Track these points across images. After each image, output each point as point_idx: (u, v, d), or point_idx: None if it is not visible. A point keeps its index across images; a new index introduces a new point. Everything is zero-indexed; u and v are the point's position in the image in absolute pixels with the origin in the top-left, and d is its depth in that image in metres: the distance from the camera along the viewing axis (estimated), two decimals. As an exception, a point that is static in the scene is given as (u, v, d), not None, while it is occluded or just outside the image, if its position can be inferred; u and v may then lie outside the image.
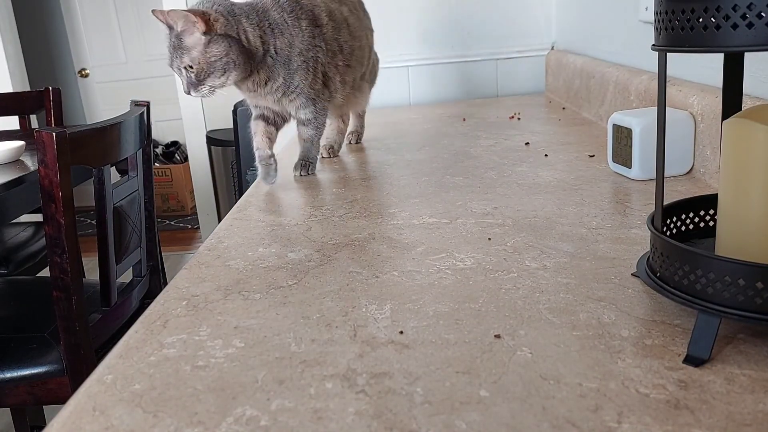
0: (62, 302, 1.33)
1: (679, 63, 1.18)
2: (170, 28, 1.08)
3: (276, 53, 1.16)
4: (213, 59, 1.07)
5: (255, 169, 1.22)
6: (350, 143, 1.54)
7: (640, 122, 1.05)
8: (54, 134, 1.23)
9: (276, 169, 1.22)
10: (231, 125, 3.15)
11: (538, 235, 0.83)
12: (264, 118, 1.26)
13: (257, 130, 1.25)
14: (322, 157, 1.40)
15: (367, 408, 0.49)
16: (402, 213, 0.98)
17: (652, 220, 0.62)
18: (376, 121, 1.84)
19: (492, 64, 2.20)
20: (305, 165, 1.25)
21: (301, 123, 1.25)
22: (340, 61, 1.26)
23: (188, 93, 1.09)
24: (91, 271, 1.58)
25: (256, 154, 1.23)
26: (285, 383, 0.53)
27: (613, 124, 1.11)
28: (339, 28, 1.24)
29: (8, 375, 1.36)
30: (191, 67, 1.07)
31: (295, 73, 1.18)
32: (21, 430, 1.72)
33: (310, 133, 1.25)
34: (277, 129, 1.27)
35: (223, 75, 1.09)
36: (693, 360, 0.52)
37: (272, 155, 1.23)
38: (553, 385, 0.51)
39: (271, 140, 1.25)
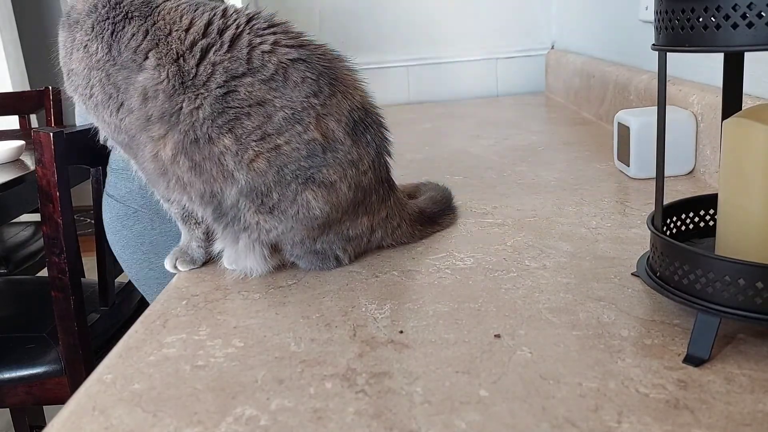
0: (60, 302, 1.32)
1: (679, 63, 1.18)
2: None
3: None
4: None
5: None
6: None
7: (638, 120, 1.05)
8: (51, 134, 1.23)
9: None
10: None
11: (537, 235, 0.83)
12: None
13: None
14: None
15: (367, 408, 0.49)
16: (402, 213, 0.97)
17: (652, 219, 0.62)
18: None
19: (492, 64, 2.20)
20: (172, 256, 0.82)
21: None
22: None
23: None
24: (92, 271, 1.58)
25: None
26: (285, 383, 0.53)
27: (617, 123, 1.11)
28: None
29: (7, 375, 1.36)
30: None
31: None
32: (20, 429, 1.72)
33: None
34: None
35: None
36: (693, 360, 0.52)
37: None
38: (552, 384, 0.51)
39: None
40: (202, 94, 0.70)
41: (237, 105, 0.69)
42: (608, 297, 0.65)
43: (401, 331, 0.61)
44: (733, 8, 0.49)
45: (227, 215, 0.74)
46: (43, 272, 1.92)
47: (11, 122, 2.82)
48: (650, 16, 1.31)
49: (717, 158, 0.99)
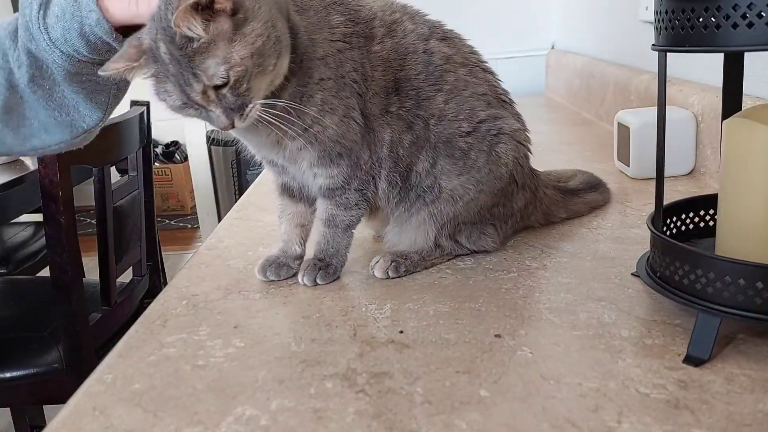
0: (62, 302, 1.32)
1: (679, 63, 1.18)
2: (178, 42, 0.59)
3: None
4: (258, 42, 0.61)
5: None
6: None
7: (638, 120, 1.05)
8: (54, 134, 1.23)
9: (292, 274, 0.77)
10: (231, 125, 3.14)
11: (538, 235, 0.83)
12: (287, 190, 0.80)
13: (283, 212, 0.81)
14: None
15: (367, 408, 0.49)
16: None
17: (652, 220, 0.62)
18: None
19: (492, 65, 2.19)
20: (315, 267, 0.74)
21: (321, 194, 0.76)
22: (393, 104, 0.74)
23: (230, 127, 0.63)
24: (91, 271, 1.58)
25: (279, 246, 0.79)
26: (285, 383, 0.53)
27: (617, 123, 1.11)
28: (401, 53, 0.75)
29: (8, 375, 1.36)
30: (223, 82, 0.60)
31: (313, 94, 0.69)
32: (21, 429, 1.72)
33: (332, 212, 0.75)
34: (310, 206, 0.80)
35: (276, 59, 0.63)
36: (693, 360, 0.52)
37: (300, 256, 0.78)
38: (553, 384, 0.51)
39: (305, 228, 0.80)
40: (414, 59, 0.75)
41: (438, 63, 0.76)
42: (609, 297, 0.65)
43: (401, 331, 0.61)
44: (733, 8, 0.49)
45: (414, 188, 0.76)
46: (44, 272, 1.92)
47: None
48: (650, 16, 1.31)
49: (717, 158, 0.99)
